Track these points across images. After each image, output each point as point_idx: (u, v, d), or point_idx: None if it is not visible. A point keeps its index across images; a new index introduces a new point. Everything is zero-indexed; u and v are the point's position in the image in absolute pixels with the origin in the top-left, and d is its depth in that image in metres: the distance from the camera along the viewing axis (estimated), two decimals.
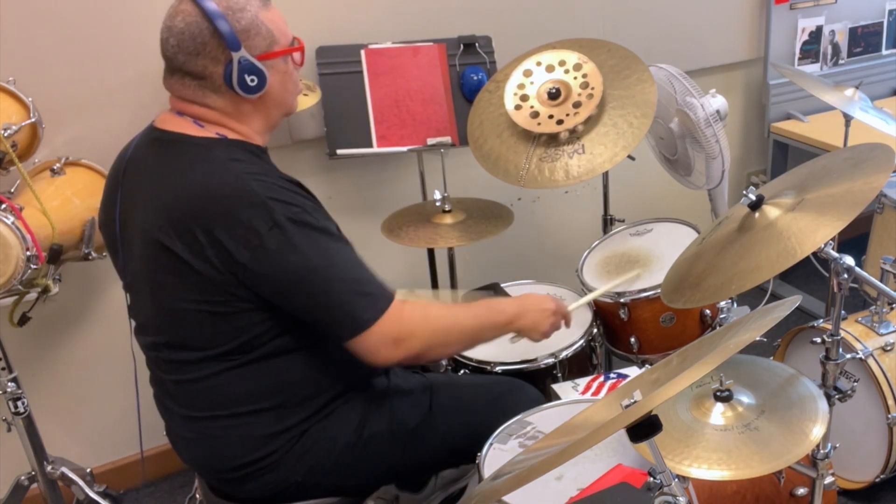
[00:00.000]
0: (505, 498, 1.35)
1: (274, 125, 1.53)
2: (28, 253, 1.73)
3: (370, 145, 2.26)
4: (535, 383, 1.88)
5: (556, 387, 1.81)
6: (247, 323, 1.40)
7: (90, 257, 1.99)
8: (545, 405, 1.63)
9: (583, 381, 1.81)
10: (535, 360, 1.90)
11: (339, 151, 2.26)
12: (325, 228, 1.40)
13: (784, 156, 3.19)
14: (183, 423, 1.52)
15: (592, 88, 2.01)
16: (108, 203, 1.55)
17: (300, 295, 1.37)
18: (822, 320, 2.13)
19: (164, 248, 1.36)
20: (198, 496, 1.67)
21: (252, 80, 1.40)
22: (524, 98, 2.05)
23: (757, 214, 1.47)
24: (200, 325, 1.40)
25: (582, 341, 1.96)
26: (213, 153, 1.41)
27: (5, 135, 1.81)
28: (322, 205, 1.46)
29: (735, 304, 2.12)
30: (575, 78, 2.04)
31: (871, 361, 2.00)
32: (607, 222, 2.51)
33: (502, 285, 2.18)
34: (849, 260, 1.44)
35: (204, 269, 1.35)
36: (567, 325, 1.76)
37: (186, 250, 1.34)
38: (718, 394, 1.47)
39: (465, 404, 1.68)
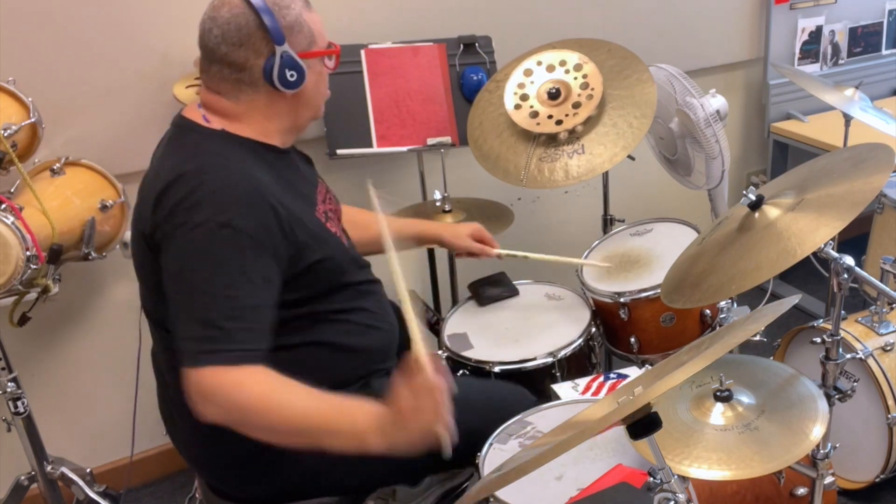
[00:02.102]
0: (506, 498, 1.35)
1: (301, 127, 1.55)
2: (28, 253, 1.73)
3: (370, 145, 2.26)
4: (534, 383, 1.88)
5: (555, 387, 1.81)
6: None
7: (90, 257, 1.99)
8: (545, 405, 1.63)
9: (583, 382, 1.81)
10: (533, 359, 1.90)
11: (339, 151, 2.26)
12: (238, 252, 1.32)
13: (784, 156, 3.19)
14: (183, 420, 1.52)
15: (592, 89, 2.01)
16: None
17: (171, 293, 1.34)
18: (822, 320, 2.13)
19: (138, 230, 1.41)
20: (198, 496, 1.67)
21: (292, 76, 1.42)
22: (524, 98, 2.05)
23: (757, 214, 1.47)
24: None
25: (580, 340, 1.96)
26: (207, 142, 1.42)
27: (5, 135, 1.81)
28: (288, 231, 1.40)
29: (735, 304, 2.12)
30: (575, 78, 2.04)
31: (871, 361, 2.00)
32: (607, 222, 2.51)
33: None
34: (849, 260, 1.44)
35: (152, 249, 1.38)
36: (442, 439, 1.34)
37: (148, 227, 1.38)
38: (718, 394, 1.47)
39: (463, 407, 1.68)
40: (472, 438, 1.55)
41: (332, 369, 1.51)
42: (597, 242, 2.31)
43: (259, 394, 1.29)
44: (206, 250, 1.31)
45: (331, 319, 1.51)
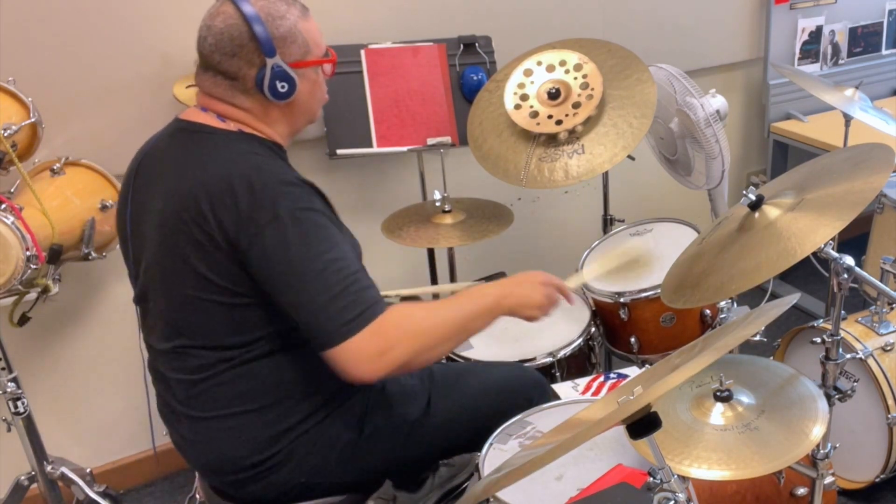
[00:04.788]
0: (507, 499, 1.35)
1: (297, 131, 1.56)
2: (28, 253, 1.73)
3: (370, 145, 2.26)
4: None
5: (556, 387, 1.81)
6: (251, 317, 1.41)
7: (90, 257, 1.99)
8: (545, 405, 1.63)
9: (583, 382, 1.81)
10: (533, 359, 1.90)
11: (339, 151, 2.26)
12: (326, 229, 1.40)
13: (784, 156, 3.19)
14: (187, 424, 1.52)
15: (592, 89, 2.01)
16: (120, 201, 1.57)
17: (285, 290, 1.36)
18: (822, 320, 2.13)
19: (180, 231, 1.39)
20: (198, 496, 1.67)
21: (283, 87, 1.43)
22: (524, 98, 2.05)
23: (757, 214, 1.47)
24: (207, 315, 1.41)
25: (580, 340, 1.96)
26: (236, 144, 1.44)
27: (5, 135, 1.81)
28: (333, 210, 1.47)
29: (735, 304, 2.12)
30: (575, 78, 2.04)
31: (870, 361, 2.00)
32: (607, 222, 2.51)
33: None
34: (849, 260, 1.44)
35: (211, 254, 1.36)
36: (568, 299, 1.65)
37: (200, 233, 1.36)
38: (718, 394, 1.47)
39: (464, 391, 1.69)
40: (475, 424, 1.56)
41: (324, 371, 1.51)
42: (597, 242, 2.31)
43: (421, 315, 1.42)
44: (302, 236, 1.35)
45: None
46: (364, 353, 1.34)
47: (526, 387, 1.68)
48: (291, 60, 1.43)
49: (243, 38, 1.39)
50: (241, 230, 1.34)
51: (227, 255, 1.36)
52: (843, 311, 1.53)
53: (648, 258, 2.16)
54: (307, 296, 1.35)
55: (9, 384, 1.93)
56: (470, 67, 2.31)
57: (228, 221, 1.34)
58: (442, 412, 1.63)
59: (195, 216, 1.37)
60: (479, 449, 1.52)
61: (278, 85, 1.42)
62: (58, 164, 2.03)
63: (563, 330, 1.99)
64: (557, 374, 1.91)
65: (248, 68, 1.41)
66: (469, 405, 1.64)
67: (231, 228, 1.34)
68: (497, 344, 1.98)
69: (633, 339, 2.07)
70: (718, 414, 1.45)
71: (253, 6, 1.40)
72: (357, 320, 1.33)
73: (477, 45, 2.34)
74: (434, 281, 2.47)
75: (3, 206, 1.74)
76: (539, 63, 2.08)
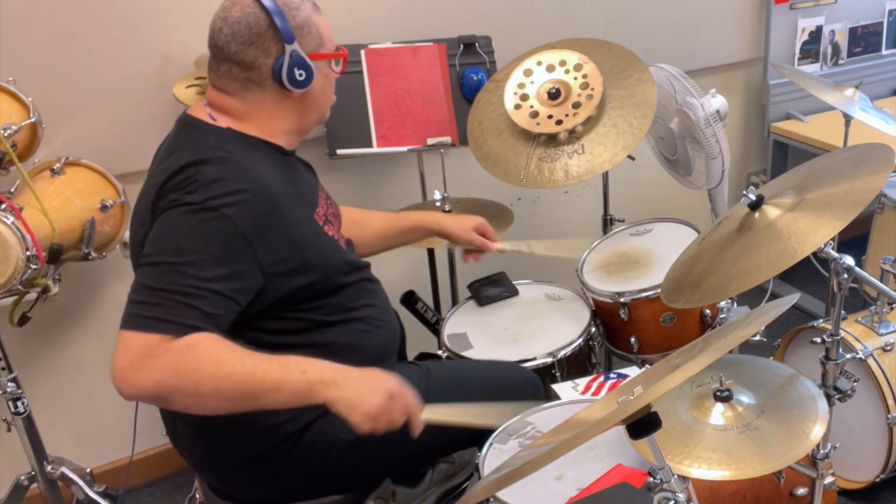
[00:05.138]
0: (506, 498, 1.35)
1: (306, 129, 1.56)
2: (28, 253, 1.73)
3: (370, 145, 2.26)
4: None
5: (556, 387, 1.81)
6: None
7: (90, 257, 1.99)
8: (545, 405, 1.63)
9: (583, 382, 1.81)
10: (533, 359, 1.90)
11: (339, 151, 2.26)
12: (218, 239, 1.30)
13: (784, 156, 3.19)
14: (183, 421, 1.52)
15: (592, 89, 2.01)
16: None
17: (136, 262, 1.35)
18: (822, 320, 2.13)
19: (144, 230, 1.38)
20: (198, 496, 1.67)
21: (300, 75, 1.44)
22: (524, 98, 2.05)
23: (757, 214, 1.47)
24: None
25: (580, 340, 1.96)
26: (213, 139, 1.43)
27: (5, 135, 1.81)
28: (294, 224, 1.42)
29: (735, 304, 2.12)
30: (575, 78, 2.04)
31: (871, 361, 2.00)
32: (607, 222, 2.51)
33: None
34: (849, 260, 1.44)
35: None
36: (412, 427, 1.40)
37: (149, 220, 1.37)
38: (718, 394, 1.47)
39: (462, 389, 1.68)
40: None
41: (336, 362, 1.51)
42: (597, 242, 2.31)
43: (210, 359, 1.23)
44: (190, 228, 1.30)
45: (330, 321, 1.51)
46: (126, 354, 1.24)
47: (521, 386, 1.68)
48: (308, 51, 1.45)
49: (261, 25, 1.40)
50: (155, 211, 1.34)
51: None
52: (843, 311, 1.53)
53: (649, 265, 2.15)
54: (149, 272, 1.28)
55: (9, 384, 1.93)
56: (470, 67, 2.31)
57: (158, 205, 1.34)
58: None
59: (149, 203, 1.37)
60: (476, 446, 1.52)
61: (296, 72, 1.43)
62: (58, 164, 2.03)
63: (563, 330, 1.99)
64: (557, 374, 1.91)
65: (265, 57, 1.42)
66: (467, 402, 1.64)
67: (155, 209, 1.34)
68: (497, 344, 1.98)
69: (633, 339, 2.07)
70: (718, 414, 1.45)
71: None
72: (150, 321, 1.23)
73: (477, 45, 2.34)
74: (434, 280, 2.47)
75: (3, 206, 1.74)
76: (539, 63, 2.08)
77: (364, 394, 1.30)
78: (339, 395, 1.28)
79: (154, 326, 1.23)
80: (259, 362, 1.27)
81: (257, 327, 1.42)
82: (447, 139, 2.28)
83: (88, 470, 2.13)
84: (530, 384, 1.72)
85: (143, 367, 1.23)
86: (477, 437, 1.54)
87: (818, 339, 1.58)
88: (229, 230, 1.31)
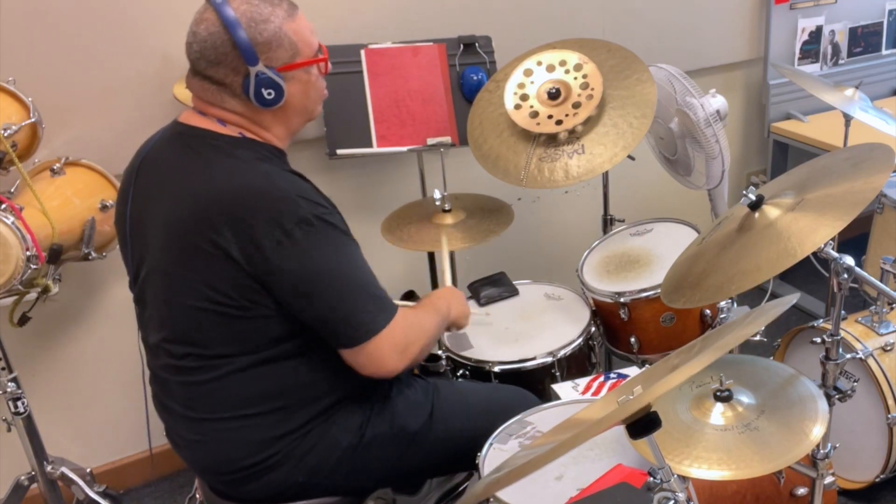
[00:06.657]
0: (506, 498, 1.35)
1: (294, 131, 1.55)
2: (28, 253, 1.73)
3: (370, 145, 2.26)
4: (534, 383, 1.88)
5: (556, 387, 1.81)
6: (258, 327, 1.41)
7: (90, 257, 1.99)
8: (545, 405, 1.63)
9: (583, 382, 1.81)
10: (533, 358, 1.90)
11: (339, 151, 2.26)
12: (346, 232, 1.45)
13: (784, 156, 3.19)
14: (185, 424, 1.51)
15: (592, 89, 2.01)
16: (120, 200, 1.56)
17: (316, 295, 1.38)
18: (822, 320, 2.13)
19: (189, 242, 1.37)
20: (198, 496, 1.67)
21: (269, 94, 1.41)
22: (524, 98, 2.05)
23: (757, 214, 1.47)
24: (211, 325, 1.41)
25: (580, 340, 1.96)
26: (239, 151, 1.42)
27: (5, 135, 1.81)
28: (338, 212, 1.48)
29: (735, 304, 2.12)
30: (575, 78, 2.04)
31: (871, 361, 2.00)
32: (607, 222, 2.51)
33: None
34: (849, 260, 1.44)
35: (227, 267, 1.35)
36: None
37: (212, 246, 1.35)
38: (718, 394, 1.47)
39: (466, 410, 1.68)
40: (474, 443, 1.55)
41: (342, 371, 1.51)
42: (597, 242, 2.31)
43: (420, 317, 1.58)
44: (328, 241, 1.39)
45: None
46: (394, 347, 1.44)
47: (524, 410, 1.67)
48: (279, 65, 1.40)
49: (226, 46, 1.37)
50: (265, 238, 1.33)
51: (239, 269, 1.35)
52: (843, 311, 1.53)
53: (649, 265, 2.15)
54: (339, 295, 1.40)
55: (9, 384, 1.93)
56: (470, 67, 2.31)
57: (251, 231, 1.33)
58: (443, 428, 1.62)
59: (206, 229, 1.35)
60: (473, 468, 1.52)
61: (264, 92, 1.40)
62: (58, 164, 2.03)
63: (563, 330, 1.99)
64: (557, 373, 1.91)
65: (234, 75, 1.40)
66: (470, 425, 1.64)
67: (253, 237, 1.33)
68: (497, 343, 1.98)
69: (633, 339, 2.07)
70: (718, 414, 1.45)
71: (235, 11, 1.36)
72: (385, 317, 1.43)
73: (477, 45, 2.34)
74: (434, 280, 2.47)
75: (3, 206, 1.74)
76: (539, 63, 2.08)
77: (464, 307, 1.77)
78: (458, 312, 1.74)
79: (388, 319, 1.45)
80: (430, 309, 1.65)
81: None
82: (447, 139, 2.28)
83: (88, 470, 2.13)
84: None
85: (406, 356, 1.48)
86: (471, 460, 1.54)
87: (818, 339, 1.58)
88: (338, 230, 1.44)
